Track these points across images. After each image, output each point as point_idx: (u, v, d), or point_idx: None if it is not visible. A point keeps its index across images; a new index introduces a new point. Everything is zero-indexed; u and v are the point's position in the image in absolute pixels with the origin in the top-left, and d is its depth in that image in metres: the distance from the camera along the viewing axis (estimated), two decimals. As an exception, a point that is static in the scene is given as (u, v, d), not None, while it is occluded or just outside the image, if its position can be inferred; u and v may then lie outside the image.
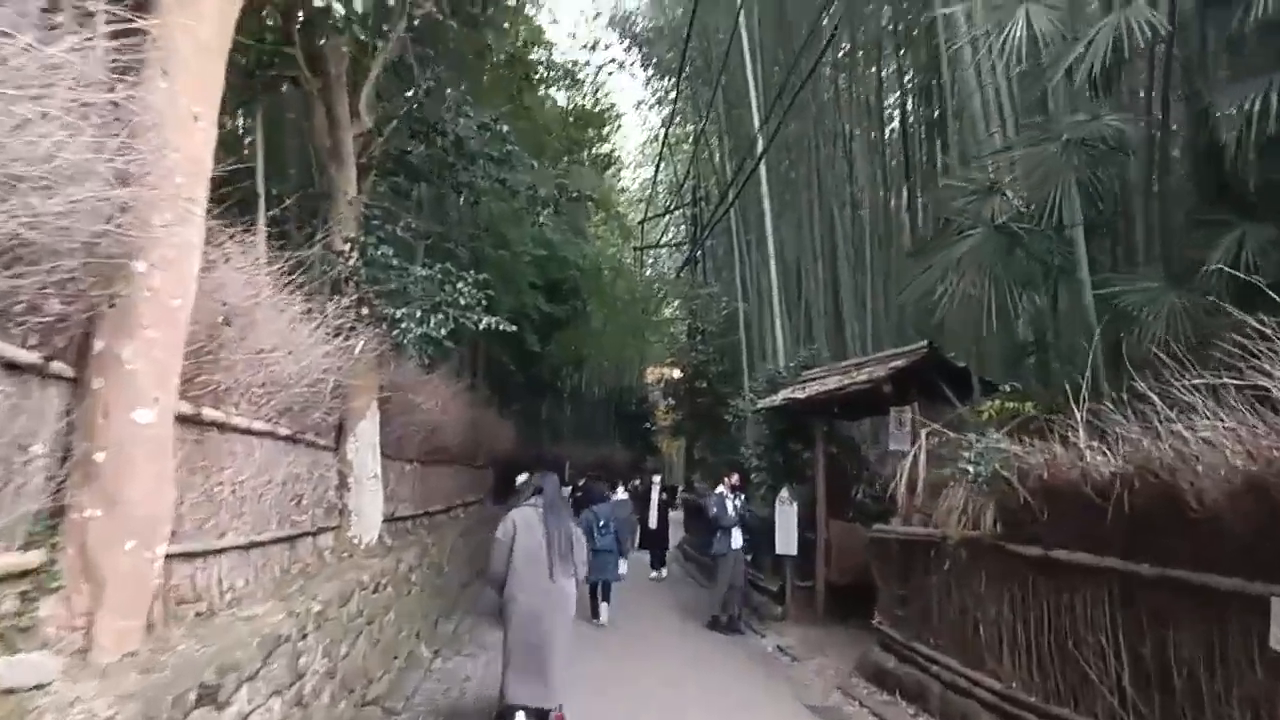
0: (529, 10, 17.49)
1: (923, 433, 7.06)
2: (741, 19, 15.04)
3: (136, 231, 3.29)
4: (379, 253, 7.70)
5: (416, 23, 7.67)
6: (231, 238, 4.68)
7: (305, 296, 6.15)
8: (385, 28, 7.48)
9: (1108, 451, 4.87)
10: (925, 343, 9.05)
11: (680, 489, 22.44)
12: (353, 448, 7.81)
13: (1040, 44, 6.56)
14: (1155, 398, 4.36)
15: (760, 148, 14.62)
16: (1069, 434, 5.23)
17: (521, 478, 12.93)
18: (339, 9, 4.51)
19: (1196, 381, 3.99)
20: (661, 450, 29.80)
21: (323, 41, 7.75)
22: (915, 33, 16.22)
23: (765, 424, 12.34)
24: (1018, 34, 6.29)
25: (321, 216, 8.27)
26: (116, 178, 3.19)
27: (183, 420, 4.36)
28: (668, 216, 29.78)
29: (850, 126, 17.90)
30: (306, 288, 6.23)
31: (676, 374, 22.39)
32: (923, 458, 6.91)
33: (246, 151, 8.26)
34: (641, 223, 29.34)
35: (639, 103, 30.84)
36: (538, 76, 17.73)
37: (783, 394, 11.40)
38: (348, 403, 7.58)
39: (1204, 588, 4.28)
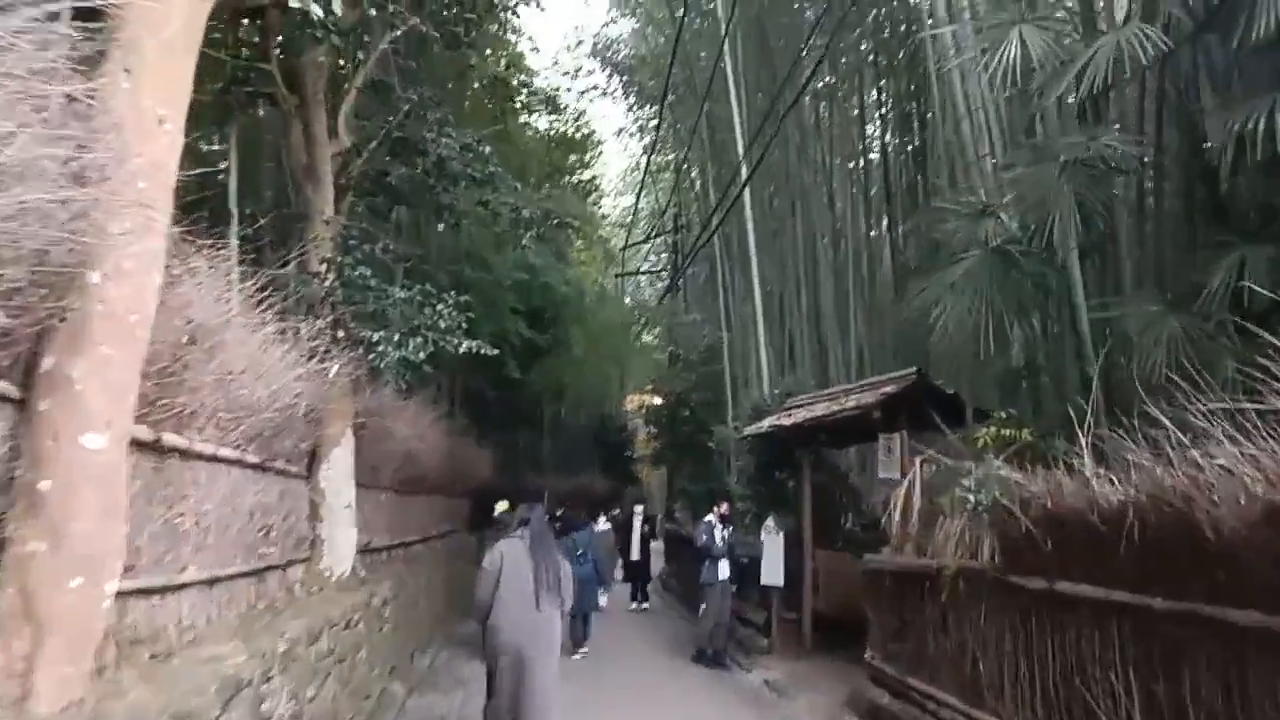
0: (510, 37, 17.48)
1: (917, 460, 6.87)
2: (725, 46, 15.02)
3: (92, 239, 3.04)
4: (356, 274, 7.46)
5: (399, 33, 7.47)
6: (199, 252, 4.43)
7: (279, 318, 5.91)
8: (366, 38, 7.29)
9: (1116, 479, 4.69)
10: (914, 369, 8.90)
11: (659, 517, 22.08)
12: (325, 476, 7.52)
13: (1036, 65, 6.49)
14: (1167, 423, 4.18)
15: (744, 175, 14.56)
16: (1072, 461, 5.04)
17: (501, 506, 12.70)
18: (317, 10, 4.31)
19: (1214, 406, 3.81)
20: (641, 479, 29.44)
21: (301, 57, 7.56)
22: (897, 61, 16.33)
23: (750, 452, 12.12)
24: (1012, 54, 6.21)
25: (297, 237, 8.02)
26: (72, 179, 2.95)
27: (142, 446, 4.10)
28: (648, 244, 29.69)
29: (832, 154, 17.94)
30: (280, 309, 5.98)
31: (658, 401, 22.16)
32: (917, 486, 6.71)
33: (222, 176, 8.05)
34: (623, 249, 29.22)
35: (620, 130, 30.86)
36: (520, 101, 17.65)
37: (769, 421, 11.19)
38: (321, 429, 7.31)
39: (1222, 622, 4.08)
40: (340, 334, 7.07)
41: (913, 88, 15.98)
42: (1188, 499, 4.14)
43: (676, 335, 21.15)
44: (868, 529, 9.39)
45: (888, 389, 8.90)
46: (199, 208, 6.30)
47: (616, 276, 30.34)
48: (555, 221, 12.80)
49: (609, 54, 25.52)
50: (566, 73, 26.76)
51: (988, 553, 5.87)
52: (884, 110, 17.76)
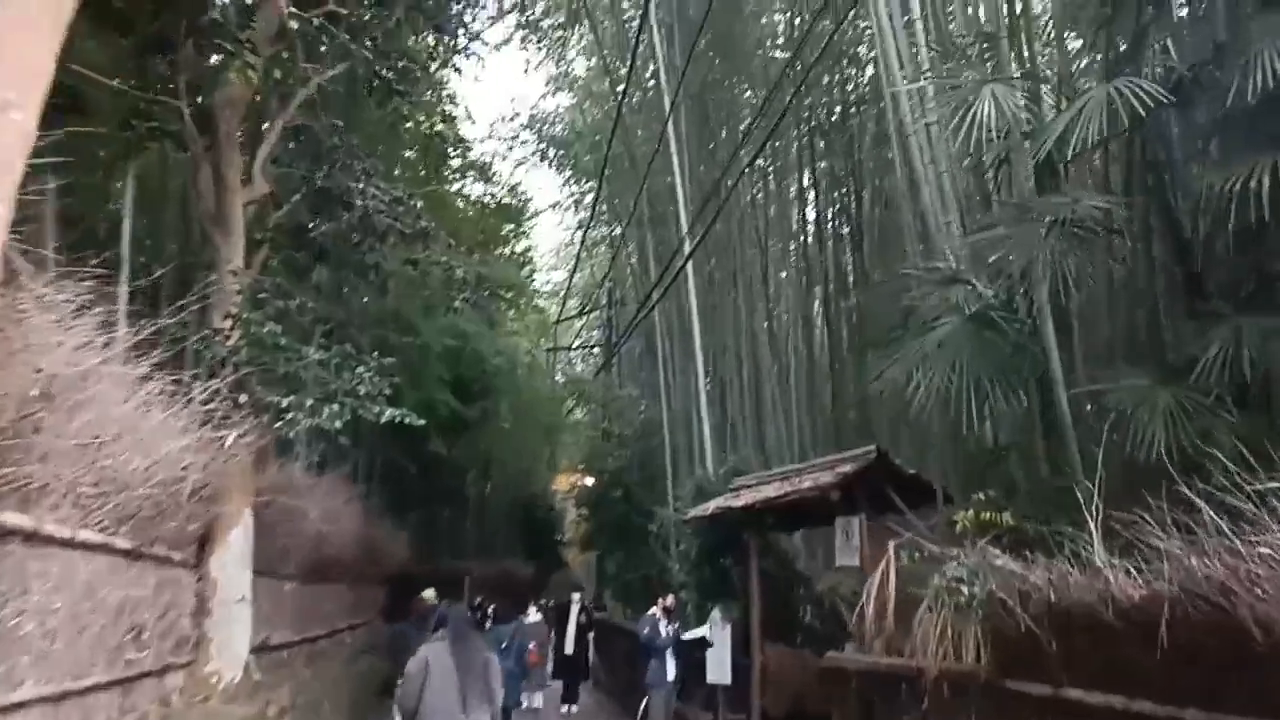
0: (447, 107, 17.07)
1: (890, 546, 6.26)
2: (669, 123, 14.84)
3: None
4: (265, 330, 6.61)
5: (333, 73, 6.83)
6: (55, 282, 3.60)
7: (170, 377, 5.06)
8: (290, 60, 6.61)
9: (1133, 570, 4.15)
10: (873, 447, 8.38)
11: (588, 604, 20.85)
12: (218, 564, 6.55)
13: (1010, 125, 6.25)
14: (1203, 505, 3.68)
15: (687, 249, 14.22)
16: (1079, 549, 4.51)
17: (428, 593, 11.69)
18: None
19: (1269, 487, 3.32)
20: (569, 564, 28.14)
21: (215, 94, 6.86)
22: (832, 139, 16.47)
23: (694, 535, 11.35)
24: (986, 113, 5.93)
25: (201, 289, 7.15)
26: None
27: (-35, 528, 3.21)
28: (583, 319, 29.14)
29: (769, 231, 17.86)
30: (170, 365, 5.13)
31: (589, 481, 21.21)
32: (892, 575, 6.09)
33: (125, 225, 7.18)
34: (556, 323, 28.60)
35: (555, 204, 30.41)
36: (452, 165, 17.19)
37: (715, 503, 10.48)
38: (214, 508, 6.35)
39: (1273, 739, 3.52)
40: (243, 398, 6.18)
41: (849, 166, 16.09)
42: (1228, 593, 3.63)
43: (610, 411, 20.36)
44: (826, 622, 8.70)
45: (845, 468, 8.33)
46: (80, 248, 5.45)
47: (549, 351, 29.63)
48: (488, 291, 12.18)
49: (544, 127, 25.36)
50: (502, 140, 26.33)
51: (975, 652, 5.27)
52: (819, 189, 17.83)
